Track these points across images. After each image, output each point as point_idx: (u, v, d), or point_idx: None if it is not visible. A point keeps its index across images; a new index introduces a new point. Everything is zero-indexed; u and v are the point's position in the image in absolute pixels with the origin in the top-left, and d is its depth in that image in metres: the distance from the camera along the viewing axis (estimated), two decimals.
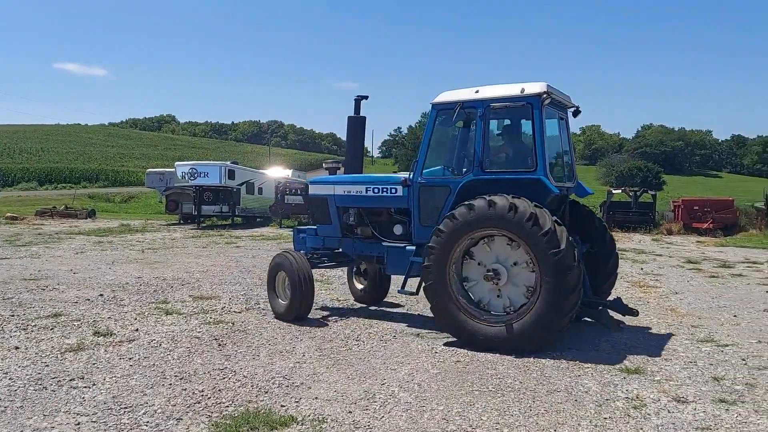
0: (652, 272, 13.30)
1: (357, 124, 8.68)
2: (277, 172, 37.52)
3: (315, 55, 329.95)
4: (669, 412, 4.76)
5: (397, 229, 7.93)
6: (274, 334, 7.21)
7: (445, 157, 8.16)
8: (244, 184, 30.48)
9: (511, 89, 7.02)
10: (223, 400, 4.95)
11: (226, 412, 4.69)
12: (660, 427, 4.44)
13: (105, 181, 67.94)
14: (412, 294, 7.35)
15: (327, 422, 4.49)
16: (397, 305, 9.09)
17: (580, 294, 6.35)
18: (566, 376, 5.70)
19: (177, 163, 31.26)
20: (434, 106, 7.50)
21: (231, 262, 14.18)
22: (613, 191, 28.85)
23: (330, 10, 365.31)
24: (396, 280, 9.17)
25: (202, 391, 5.14)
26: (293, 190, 28.09)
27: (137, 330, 7.25)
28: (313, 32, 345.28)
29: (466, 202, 6.59)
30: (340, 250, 8.59)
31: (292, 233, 9.39)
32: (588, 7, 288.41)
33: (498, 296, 6.66)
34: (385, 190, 7.92)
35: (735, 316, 8.58)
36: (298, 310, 7.77)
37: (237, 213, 29.58)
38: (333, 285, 10.91)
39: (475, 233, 6.60)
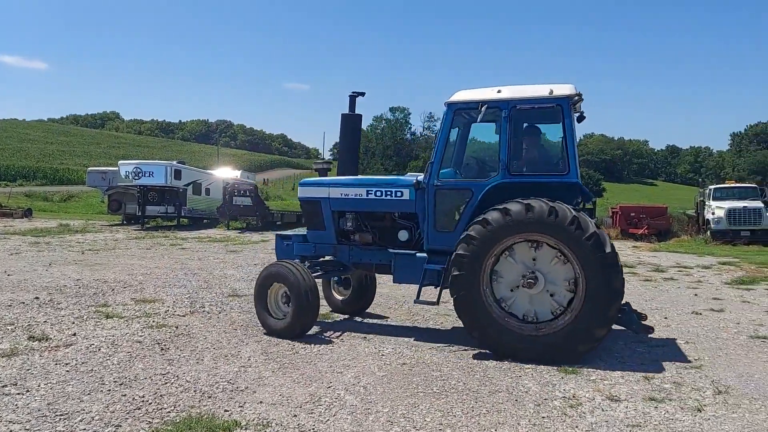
0: None
1: (352, 122, 8.22)
2: (226, 173, 36.99)
3: (266, 54, 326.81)
4: (603, 410, 4.96)
5: (402, 235, 7.49)
6: (219, 338, 7.09)
7: (459, 160, 7.74)
8: (191, 185, 29.92)
9: (539, 90, 6.79)
10: (165, 405, 4.85)
11: (168, 417, 4.59)
12: (594, 425, 4.63)
13: (43, 179, 65.15)
14: (432, 304, 6.96)
15: (272, 426, 4.46)
16: (383, 317, 8.69)
17: (622, 297, 6.20)
18: (507, 376, 5.83)
19: (121, 161, 30.42)
20: (450, 105, 7.09)
21: (176, 265, 13.86)
22: None
23: (282, 9, 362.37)
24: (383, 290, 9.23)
25: (143, 397, 5.01)
26: (242, 192, 27.73)
27: (75, 334, 7.00)
28: (264, 31, 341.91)
29: (500, 206, 6.30)
30: (334, 257, 7.98)
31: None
32: (528, 15, 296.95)
33: (533, 303, 6.33)
34: (389, 193, 7.42)
35: (666, 317, 8.92)
36: (302, 325, 7.09)
37: (183, 214, 28.99)
38: None
39: (511, 239, 6.29)
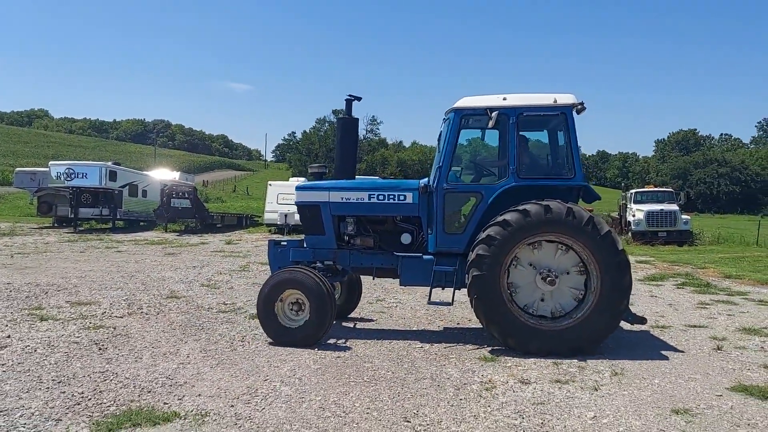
0: None
1: (348, 126, 8.33)
2: (163, 174, 36.41)
3: (206, 52, 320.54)
4: (513, 391, 5.54)
5: (405, 239, 7.68)
6: (157, 338, 7.27)
7: (461, 164, 7.98)
8: (127, 186, 29.39)
9: (543, 99, 7.26)
10: (105, 400, 5.05)
11: (108, 411, 4.81)
12: (504, 404, 5.19)
13: None
14: (446, 305, 7.34)
15: (209, 416, 4.76)
16: (369, 320, 8.87)
17: (630, 291, 6.77)
18: (433, 365, 6.38)
19: (51, 162, 29.52)
20: (457, 111, 7.38)
21: (112, 267, 13.76)
22: None
23: (224, 4, 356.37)
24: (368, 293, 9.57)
25: (82, 393, 5.19)
26: (180, 193, 27.47)
27: (9, 336, 7.03)
28: (204, 28, 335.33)
29: (519, 207, 6.66)
30: (334, 262, 7.94)
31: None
32: (452, 20, 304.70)
33: (546, 300, 6.79)
34: (392, 197, 7.59)
35: None
36: (324, 331, 7.05)
37: (119, 216, 28.43)
38: (220, 289, 11.01)
39: (529, 239, 6.67)
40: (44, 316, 8.15)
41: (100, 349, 6.67)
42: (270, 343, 7.08)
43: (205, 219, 29.02)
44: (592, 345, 6.74)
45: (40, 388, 5.31)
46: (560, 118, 7.29)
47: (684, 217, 25.56)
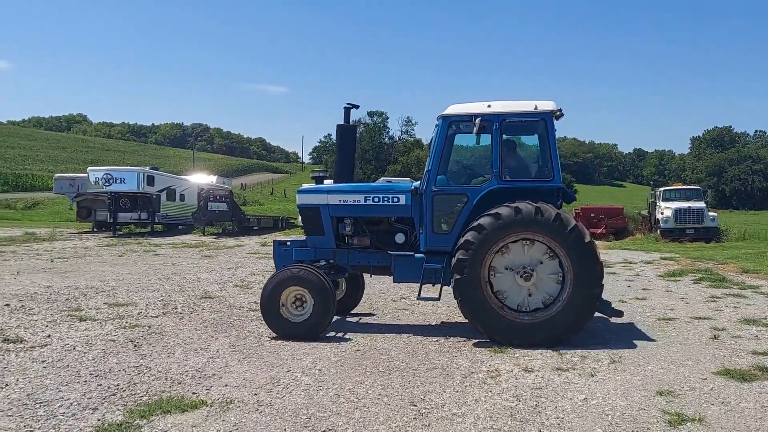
0: None
1: (347, 133, 8.99)
2: (201, 178, 37.61)
3: (243, 56, 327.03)
4: (516, 378, 6.15)
5: (399, 238, 8.38)
6: (190, 335, 7.86)
7: (445, 168, 8.52)
8: (165, 191, 30.50)
9: (525, 105, 7.95)
10: (138, 391, 5.59)
11: (141, 401, 5.34)
12: (505, 389, 5.79)
13: (5, 186, 65.11)
14: (433, 300, 8.14)
15: (234, 403, 5.29)
16: (369, 314, 9.62)
17: (602, 279, 7.45)
18: (445, 357, 6.98)
19: (90, 168, 30.90)
20: (444, 118, 8.09)
21: (149, 270, 14.56)
22: None
23: (260, 9, 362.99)
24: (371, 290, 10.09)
25: (117, 385, 5.74)
26: (217, 197, 28.42)
27: (49, 336, 7.66)
28: (241, 32, 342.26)
29: (491, 211, 7.33)
30: (333, 261, 8.67)
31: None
32: (504, 22, 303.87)
33: (528, 294, 7.43)
34: (386, 199, 8.32)
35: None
36: (327, 323, 7.78)
37: (157, 220, 29.57)
38: (252, 289, 11.55)
39: (504, 239, 7.33)
40: (83, 317, 8.81)
41: (135, 346, 7.25)
42: (274, 338, 7.68)
43: (241, 222, 29.93)
44: (569, 333, 7.35)
45: (78, 382, 5.87)
46: (541, 124, 7.92)
47: (711, 214, 26.68)
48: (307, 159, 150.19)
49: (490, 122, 7.84)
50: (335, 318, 9.21)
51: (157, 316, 9.03)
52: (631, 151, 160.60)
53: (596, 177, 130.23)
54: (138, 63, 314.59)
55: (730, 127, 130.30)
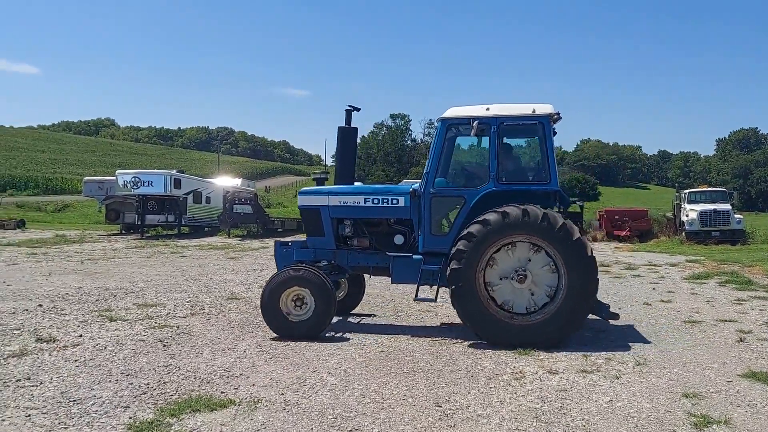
0: None
1: (348, 135, 9.12)
2: (226, 181, 38.03)
3: (266, 60, 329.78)
4: (540, 380, 6.15)
5: (398, 239, 8.47)
6: (217, 335, 7.98)
7: (445, 170, 8.67)
8: (191, 193, 30.89)
9: (523, 109, 7.97)
10: (168, 390, 5.70)
11: (171, 399, 5.45)
12: (530, 391, 5.81)
13: (35, 189, 66.41)
14: (430, 301, 8.17)
15: (261, 402, 5.38)
16: (370, 315, 9.73)
17: (596, 293, 7.52)
18: (469, 358, 6.99)
19: (118, 171, 31.40)
20: (443, 121, 8.16)
21: (176, 272, 14.79)
22: None
23: (282, 13, 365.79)
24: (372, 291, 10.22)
25: (148, 384, 5.87)
26: (242, 200, 28.72)
27: (81, 336, 7.84)
28: (264, 36, 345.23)
29: (499, 209, 7.34)
30: (333, 262, 8.76)
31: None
32: (528, 25, 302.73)
33: (522, 295, 7.45)
34: (386, 200, 8.40)
35: (619, 308, 10.09)
36: (328, 323, 7.91)
37: (183, 222, 29.95)
38: None
39: (506, 239, 7.36)
40: (113, 317, 9.00)
41: (164, 345, 7.39)
42: (273, 338, 7.78)
43: (266, 224, 30.20)
44: (562, 335, 7.38)
45: (110, 380, 6.01)
46: (538, 127, 7.92)
47: (737, 216, 26.43)
48: (330, 161, 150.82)
49: (488, 125, 7.89)
50: (348, 318, 9.39)
51: (185, 317, 9.18)
52: (656, 153, 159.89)
53: (620, 179, 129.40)
54: (164, 68, 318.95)
55: (756, 128, 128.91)
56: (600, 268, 15.74)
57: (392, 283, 8.51)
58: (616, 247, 24.69)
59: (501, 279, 7.47)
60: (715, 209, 26.30)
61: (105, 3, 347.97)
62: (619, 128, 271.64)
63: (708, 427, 4.86)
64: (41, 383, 5.89)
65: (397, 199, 8.37)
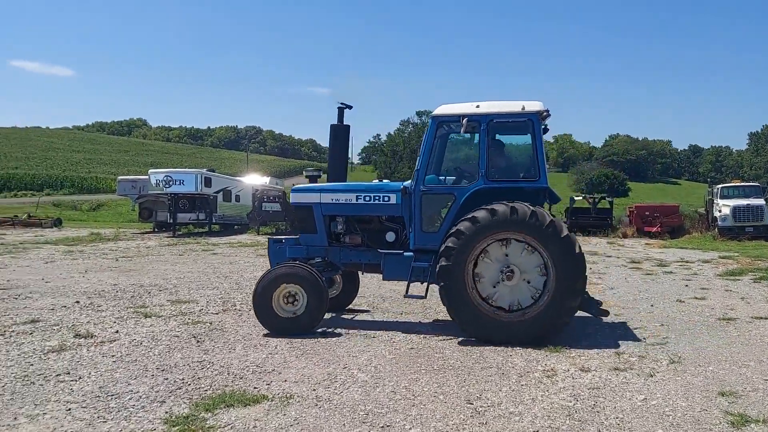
0: (598, 271, 14.81)
1: (340, 133, 9.14)
2: (255, 180, 38.31)
3: (293, 59, 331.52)
4: (573, 378, 6.10)
5: (390, 236, 8.50)
6: (249, 332, 8.05)
7: (438, 167, 8.71)
8: (221, 192, 31.19)
9: (512, 106, 7.97)
10: (202, 385, 5.78)
11: (205, 394, 5.52)
12: (562, 389, 5.77)
13: (71, 189, 67.71)
14: (420, 298, 8.14)
15: (294, 398, 5.42)
16: (364, 311, 9.82)
17: (583, 292, 7.51)
18: (500, 356, 6.93)
19: (151, 170, 31.84)
20: (434, 118, 8.17)
21: (208, 269, 14.94)
22: (575, 198, 32.33)
23: (309, 13, 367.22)
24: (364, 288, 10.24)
25: (183, 379, 5.95)
26: (270, 198, 28.90)
27: (117, 332, 7.97)
28: (290, 36, 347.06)
29: (488, 207, 7.34)
30: (325, 259, 8.77)
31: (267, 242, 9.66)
32: (558, 23, 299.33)
33: (510, 292, 7.44)
34: (377, 198, 8.42)
35: (652, 305, 10.12)
36: (320, 319, 7.99)
37: (214, 221, 30.26)
38: None
39: (495, 236, 7.36)
40: (148, 314, 9.13)
41: (198, 341, 7.48)
42: (266, 335, 7.82)
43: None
44: (551, 331, 7.34)
45: (146, 375, 6.10)
46: (528, 124, 7.90)
47: None
48: (356, 159, 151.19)
49: (477, 122, 7.89)
50: (342, 314, 9.41)
51: (217, 313, 9.27)
52: (687, 148, 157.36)
53: (650, 174, 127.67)
54: (194, 69, 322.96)
55: None
56: (631, 265, 15.89)
57: (383, 279, 8.55)
58: (646, 244, 24.25)
59: (489, 276, 7.45)
60: (748, 204, 25.79)
61: (137, 6, 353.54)
62: (648, 123, 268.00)
63: (746, 426, 4.75)
64: (80, 378, 6.01)
65: (389, 197, 8.38)
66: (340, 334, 7.95)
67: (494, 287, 7.45)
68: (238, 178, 38.22)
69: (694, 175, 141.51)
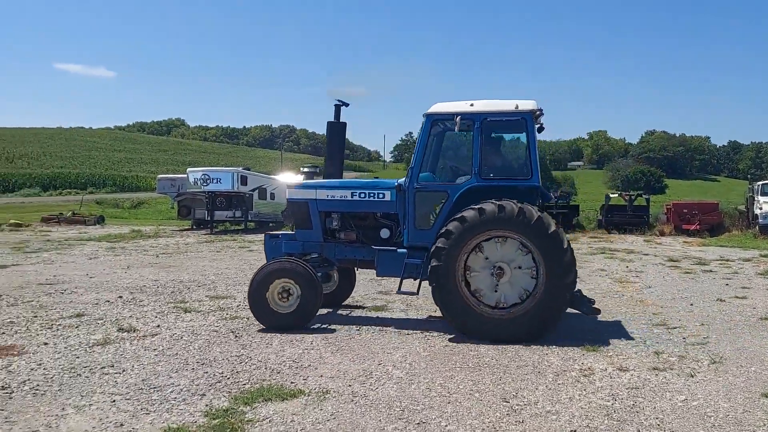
0: (635, 270, 14.54)
1: (337, 130, 9.19)
2: (289, 178, 38.49)
3: (326, 60, 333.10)
4: (611, 377, 6.00)
5: (384, 233, 8.52)
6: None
7: (434, 165, 8.81)
8: (257, 190, 31.46)
9: (506, 105, 7.97)
10: (241, 379, 5.86)
11: (244, 388, 5.60)
12: (599, 388, 5.64)
13: (112, 187, 69.17)
14: (412, 294, 8.10)
15: (330, 393, 5.46)
16: (360, 306, 9.82)
17: (574, 288, 7.39)
18: (535, 354, 6.85)
19: (189, 169, 32.26)
20: (428, 116, 8.16)
21: (245, 265, 15.10)
22: (611, 195, 31.52)
23: (341, 12, 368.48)
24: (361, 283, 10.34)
25: (222, 373, 6.04)
26: None
27: (159, 326, 8.14)
28: (323, 38, 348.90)
29: (476, 206, 7.33)
30: (320, 254, 8.81)
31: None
32: (596, 20, 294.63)
33: (496, 291, 7.42)
34: (372, 195, 8.44)
35: (691, 304, 9.89)
36: (313, 313, 8.03)
37: (250, 218, 30.58)
38: None
39: (484, 234, 7.35)
40: (187, 309, 9.29)
41: (236, 336, 7.57)
42: (261, 330, 7.85)
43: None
44: (542, 328, 7.29)
45: (186, 369, 6.21)
46: (521, 123, 7.89)
47: None
48: (388, 158, 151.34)
49: (471, 121, 7.88)
50: (338, 310, 9.39)
51: None
52: (726, 144, 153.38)
53: (688, 171, 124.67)
54: (229, 70, 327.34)
55: None
56: (669, 264, 15.56)
57: (377, 276, 8.55)
58: (685, 242, 23.74)
59: (480, 274, 7.43)
60: None
61: (175, 10, 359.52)
62: (686, 119, 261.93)
63: None
64: (124, 371, 6.14)
65: (383, 194, 8.39)
66: (373, 331, 7.96)
67: (484, 285, 7.44)
68: (272, 176, 38.52)
69: (734, 171, 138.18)
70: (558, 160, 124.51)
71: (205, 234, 26.58)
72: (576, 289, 7.89)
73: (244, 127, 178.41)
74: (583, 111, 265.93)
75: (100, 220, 32.70)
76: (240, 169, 32.02)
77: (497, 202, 7.29)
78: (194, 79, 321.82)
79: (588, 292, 10.89)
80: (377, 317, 8.97)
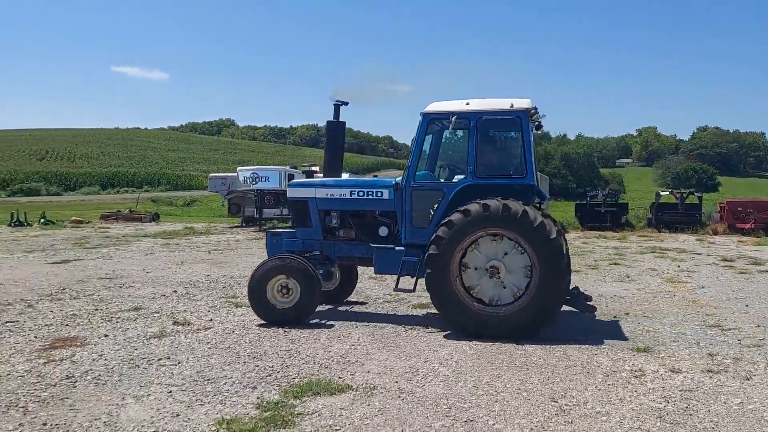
0: (687, 269, 14.07)
1: (336, 129, 9.21)
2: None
3: (372, 58, 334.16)
4: (663, 379, 5.84)
5: (383, 231, 8.54)
6: (332, 323, 8.22)
7: (433, 163, 8.82)
8: None
9: (501, 104, 7.92)
10: (290, 373, 5.96)
11: (293, 382, 5.70)
12: (651, 390, 5.48)
13: (167, 185, 71.20)
14: (408, 291, 8.12)
15: (377, 389, 5.50)
16: (362, 302, 9.86)
17: (569, 275, 7.36)
18: (584, 354, 6.71)
19: (239, 168, 32.83)
20: (425, 115, 8.15)
21: None
22: (661, 193, 30.65)
23: (383, 14, 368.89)
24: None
25: (272, 367, 6.15)
26: None
27: (211, 320, 8.34)
28: (367, 39, 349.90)
29: (462, 208, 7.32)
30: (320, 252, 8.81)
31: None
32: (642, 16, 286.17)
33: (495, 287, 7.39)
34: (370, 193, 8.47)
35: (746, 305, 9.53)
36: (313, 309, 8.14)
37: None
38: (386, 281, 11.77)
39: (474, 235, 7.34)
40: (238, 303, 9.48)
41: (285, 331, 7.69)
42: (260, 325, 7.89)
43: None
44: (537, 325, 7.21)
45: (238, 362, 6.35)
46: (516, 122, 7.84)
47: None
48: None
49: (467, 120, 7.86)
50: (338, 306, 9.41)
51: None
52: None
53: (742, 168, 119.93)
54: (277, 71, 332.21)
55: None
56: (723, 263, 15.06)
57: (375, 273, 8.56)
58: (739, 241, 22.86)
59: (475, 269, 7.40)
60: None
61: (226, 15, 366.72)
62: (740, 115, 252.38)
63: None
64: (179, 363, 6.32)
65: (382, 192, 8.39)
66: (418, 328, 7.96)
67: (479, 280, 7.40)
68: (318, 174, 38.88)
69: None
70: (606, 158, 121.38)
71: (254, 231, 26.99)
72: (573, 286, 7.90)
73: (291, 126, 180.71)
74: (632, 107, 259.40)
75: (155, 218, 33.52)
76: (287, 167, 32.42)
77: (503, 201, 7.25)
78: (243, 81, 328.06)
79: (638, 292, 10.70)
80: (422, 315, 8.97)
